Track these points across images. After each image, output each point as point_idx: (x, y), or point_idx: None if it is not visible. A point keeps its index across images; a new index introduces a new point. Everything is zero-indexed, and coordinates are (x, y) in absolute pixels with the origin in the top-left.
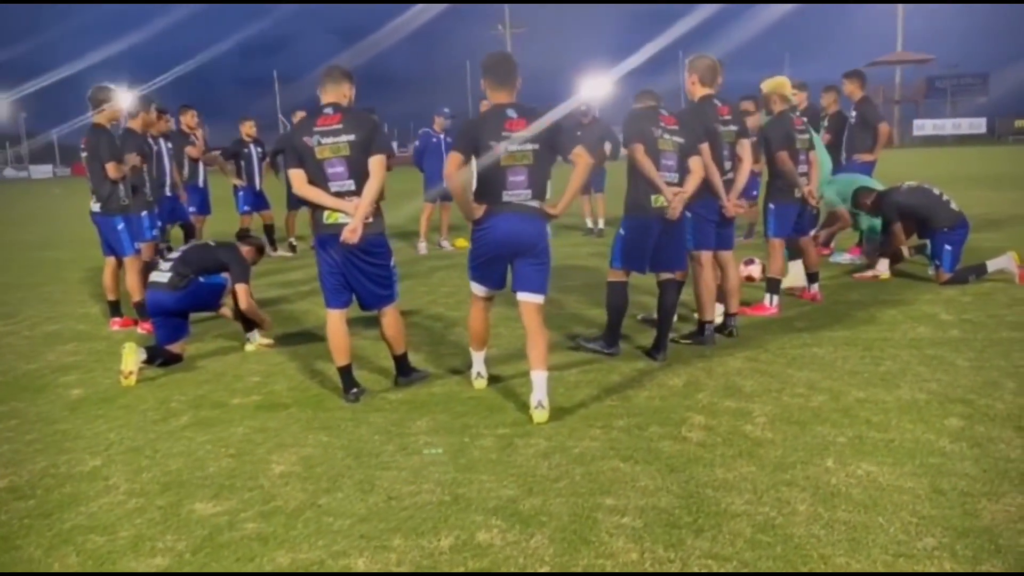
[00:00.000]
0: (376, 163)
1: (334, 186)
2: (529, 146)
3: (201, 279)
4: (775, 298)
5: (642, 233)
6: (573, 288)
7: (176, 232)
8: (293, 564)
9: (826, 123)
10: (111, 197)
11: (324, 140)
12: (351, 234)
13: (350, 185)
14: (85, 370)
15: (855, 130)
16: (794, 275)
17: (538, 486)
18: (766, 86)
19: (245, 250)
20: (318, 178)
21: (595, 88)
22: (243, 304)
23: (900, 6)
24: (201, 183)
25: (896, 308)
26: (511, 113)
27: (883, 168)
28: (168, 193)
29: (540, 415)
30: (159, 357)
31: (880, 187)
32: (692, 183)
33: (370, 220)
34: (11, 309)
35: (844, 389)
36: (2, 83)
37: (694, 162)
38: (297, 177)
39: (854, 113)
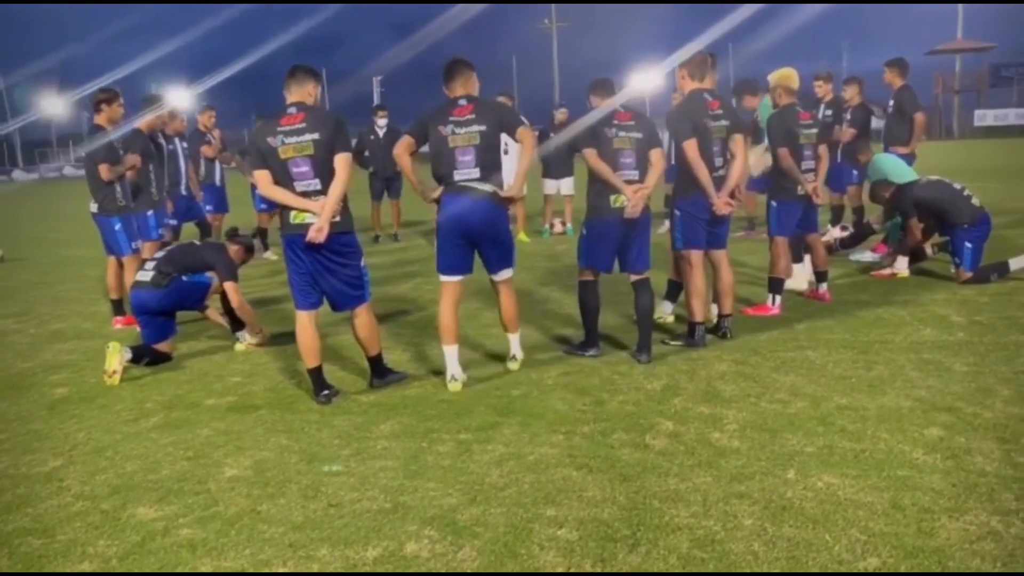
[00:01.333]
0: (341, 161)
1: (299, 186)
2: (475, 127)
3: (184, 278)
4: (777, 298)
5: (603, 233)
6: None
7: (192, 230)
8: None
9: (848, 116)
10: (107, 198)
11: (288, 140)
12: (317, 233)
13: (316, 184)
14: (75, 369)
15: (891, 120)
16: (796, 276)
17: (483, 495)
18: (772, 78)
19: (233, 249)
20: (283, 178)
21: (643, 82)
22: (234, 302)
23: None
24: (218, 182)
25: (905, 309)
26: (461, 102)
27: (934, 161)
28: (184, 192)
29: (513, 365)
30: (146, 356)
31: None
32: (652, 177)
33: (337, 219)
34: (25, 307)
35: (827, 395)
36: (65, 83)
37: (654, 155)
38: (263, 178)
39: (892, 102)
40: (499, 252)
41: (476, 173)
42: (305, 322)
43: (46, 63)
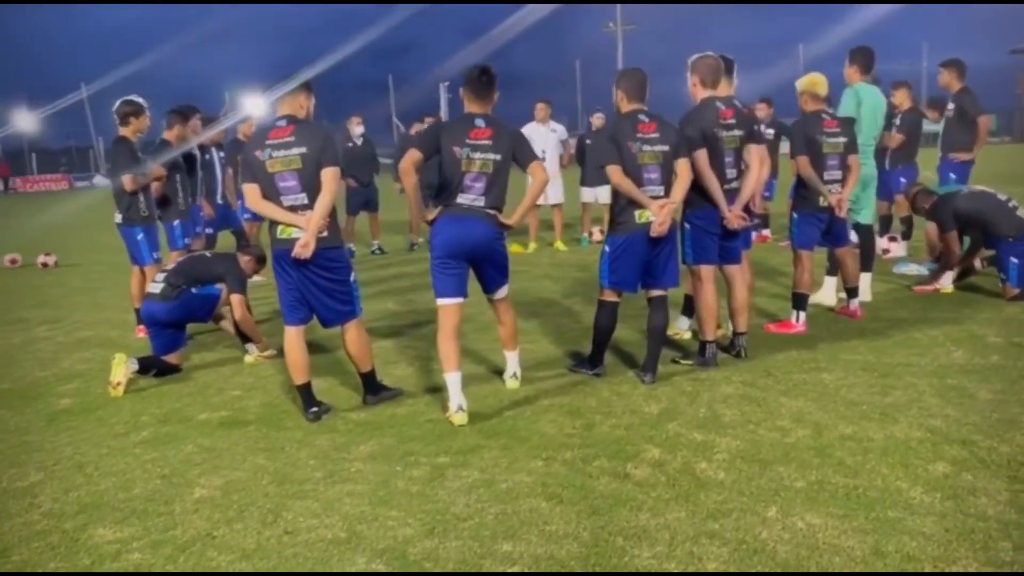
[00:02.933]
0: (329, 176)
1: (286, 200)
2: (491, 155)
3: (194, 290)
4: (802, 315)
5: (629, 250)
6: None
7: (228, 239)
8: None
9: (898, 122)
10: (131, 208)
11: (276, 153)
12: (303, 249)
13: (303, 199)
14: (87, 379)
15: (952, 125)
16: (825, 291)
17: (442, 526)
18: (799, 84)
19: (244, 260)
20: (271, 192)
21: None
22: (237, 315)
23: None
24: None
25: (940, 328)
26: (479, 122)
27: (1010, 166)
28: (220, 201)
29: (512, 383)
30: (154, 368)
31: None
32: (679, 191)
33: (324, 234)
34: (61, 313)
35: (832, 423)
36: (140, 92)
37: (681, 166)
38: (251, 192)
39: (951, 106)
40: (497, 272)
41: (482, 201)
42: (293, 338)
43: (126, 72)
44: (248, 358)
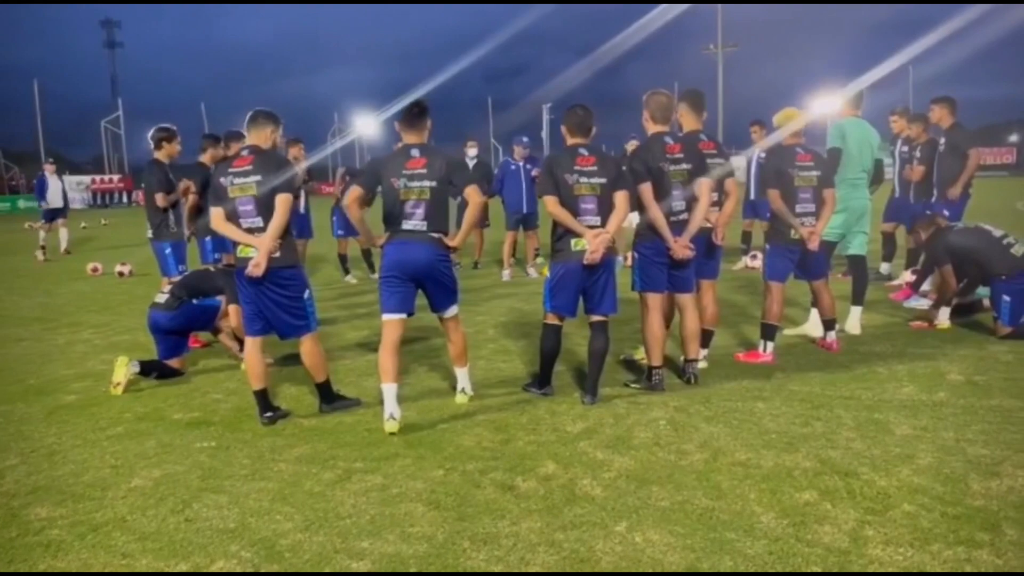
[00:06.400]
0: (280, 202)
1: (245, 223)
2: (427, 183)
3: (195, 302)
4: (770, 345)
5: (566, 277)
6: None
7: None
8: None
9: (918, 154)
10: (161, 224)
11: (236, 181)
12: (255, 268)
13: (259, 222)
14: (99, 378)
15: (944, 160)
16: (810, 322)
17: (320, 523)
18: (776, 119)
19: None
20: (232, 216)
21: (823, 107)
22: (233, 323)
23: None
24: (302, 209)
25: (909, 363)
26: (414, 153)
27: None
28: None
29: (461, 399)
30: (155, 371)
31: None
32: (615, 222)
33: (277, 254)
34: (112, 319)
35: (733, 449)
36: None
37: (619, 198)
38: (216, 215)
39: (943, 141)
40: (443, 292)
41: (423, 225)
42: (251, 347)
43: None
44: (244, 365)
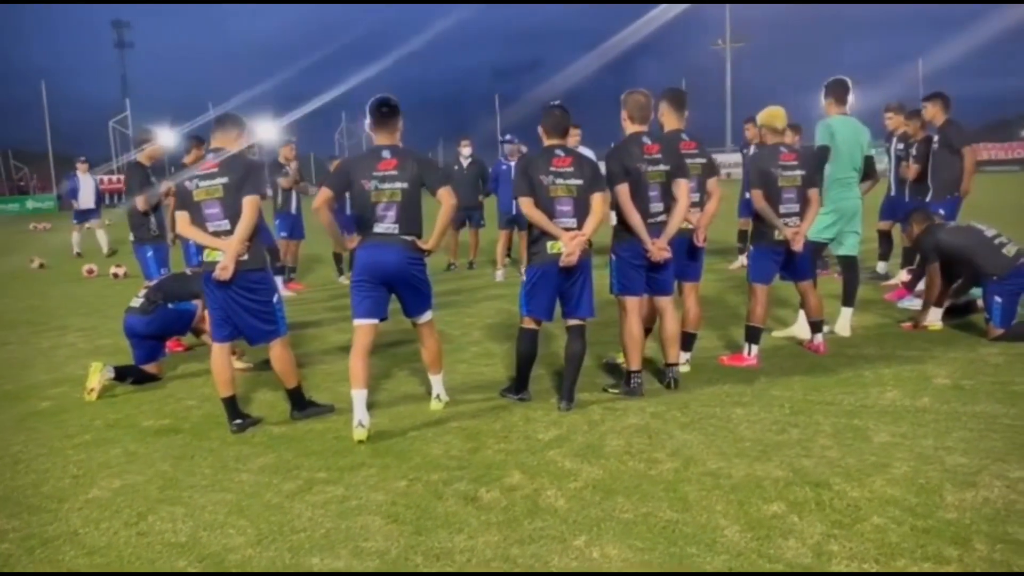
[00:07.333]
0: (247, 204)
1: (211, 226)
2: (398, 184)
3: (170, 306)
4: (754, 348)
5: (542, 280)
6: None
7: None
8: None
9: (914, 152)
10: (141, 227)
11: (201, 184)
12: (222, 271)
13: (225, 225)
14: (75, 384)
15: (939, 158)
16: (799, 324)
17: (272, 537)
18: (759, 118)
19: None
20: (198, 219)
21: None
22: (210, 327)
23: None
24: (294, 210)
25: (896, 366)
26: (385, 154)
27: None
28: None
29: (436, 405)
30: (131, 376)
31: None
32: (591, 224)
33: (245, 257)
34: (99, 322)
35: (705, 458)
36: (277, 110)
37: (595, 200)
38: (182, 219)
39: (936, 139)
40: (416, 297)
41: (395, 228)
42: (218, 353)
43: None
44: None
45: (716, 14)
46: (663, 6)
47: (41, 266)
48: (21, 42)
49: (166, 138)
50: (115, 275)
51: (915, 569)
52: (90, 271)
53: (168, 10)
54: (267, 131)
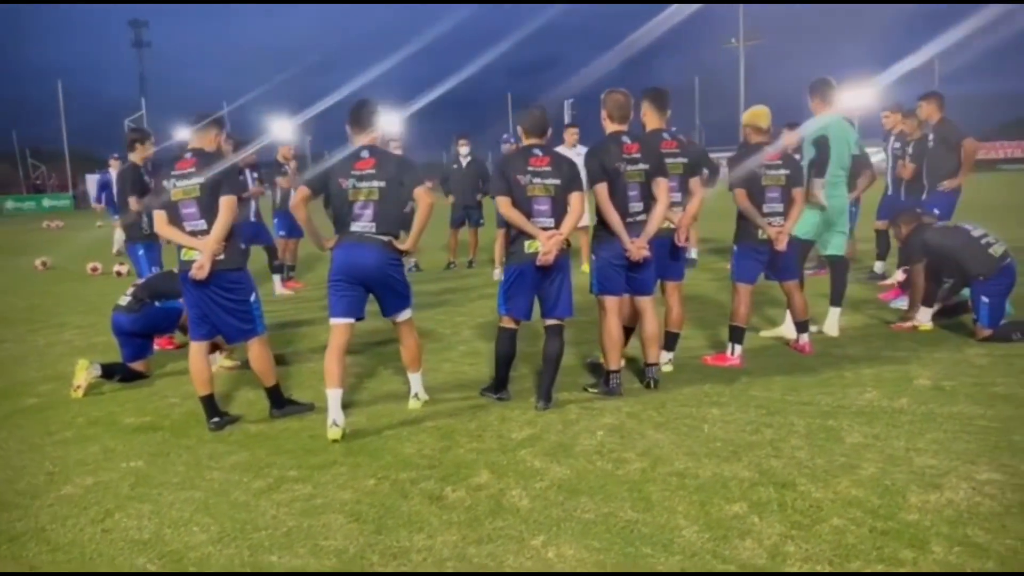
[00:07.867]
0: (224, 204)
1: (188, 226)
2: (376, 183)
3: (157, 304)
4: (737, 348)
5: (520, 279)
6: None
7: (260, 254)
8: None
9: (910, 151)
10: (133, 226)
11: (178, 183)
12: (198, 271)
13: (202, 225)
14: (65, 381)
15: (935, 155)
16: (786, 324)
17: (234, 535)
18: (744, 117)
19: None
20: (175, 218)
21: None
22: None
23: None
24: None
25: (879, 367)
26: (364, 154)
27: None
28: (252, 219)
29: (414, 404)
30: (118, 373)
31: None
32: (568, 223)
33: (221, 257)
34: (98, 320)
35: (674, 458)
36: (292, 107)
37: (573, 199)
38: (159, 218)
39: (931, 136)
40: (393, 296)
41: (372, 227)
42: (195, 352)
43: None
44: (213, 368)
45: (729, 13)
46: (676, 5)
47: (44, 264)
48: (39, 42)
49: (183, 135)
50: (118, 273)
51: (868, 571)
52: (94, 269)
53: (186, 10)
54: (282, 129)
